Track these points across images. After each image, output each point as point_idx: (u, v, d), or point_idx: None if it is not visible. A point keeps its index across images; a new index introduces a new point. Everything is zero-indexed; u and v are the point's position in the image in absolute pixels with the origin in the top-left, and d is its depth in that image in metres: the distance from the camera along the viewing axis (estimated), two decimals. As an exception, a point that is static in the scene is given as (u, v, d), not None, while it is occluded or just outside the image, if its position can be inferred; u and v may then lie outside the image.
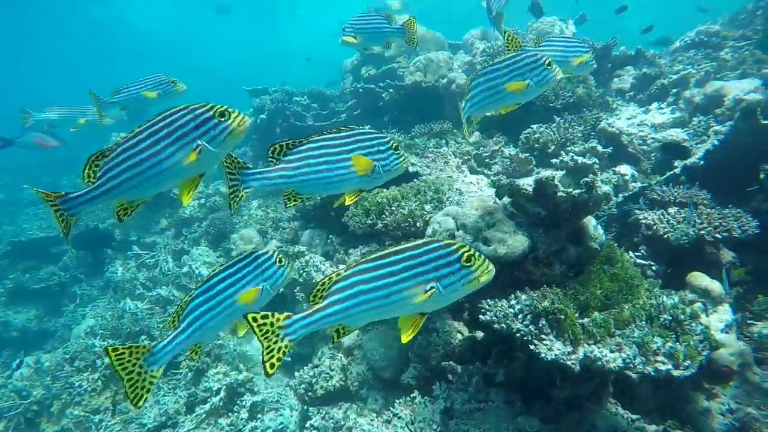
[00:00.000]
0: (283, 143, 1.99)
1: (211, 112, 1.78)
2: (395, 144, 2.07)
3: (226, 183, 2.00)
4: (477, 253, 1.70)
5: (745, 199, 3.80)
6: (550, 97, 5.54)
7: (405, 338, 1.75)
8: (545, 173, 4.43)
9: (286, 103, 8.69)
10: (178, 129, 1.74)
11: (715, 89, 5.19)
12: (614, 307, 2.75)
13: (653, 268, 3.32)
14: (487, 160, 4.90)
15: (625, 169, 4.11)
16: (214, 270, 2.05)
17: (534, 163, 4.54)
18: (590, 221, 2.84)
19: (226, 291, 1.99)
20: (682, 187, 3.48)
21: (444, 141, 5.47)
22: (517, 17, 8.52)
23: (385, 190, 3.85)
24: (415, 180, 4.22)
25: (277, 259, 2.11)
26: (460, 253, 1.67)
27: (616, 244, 3.02)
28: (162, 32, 36.91)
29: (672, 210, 3.29)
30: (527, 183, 2.75)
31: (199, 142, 1.75)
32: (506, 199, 2.97)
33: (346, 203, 2.13)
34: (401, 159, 2.09)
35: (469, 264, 1.66)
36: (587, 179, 2.56)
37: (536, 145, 4.61)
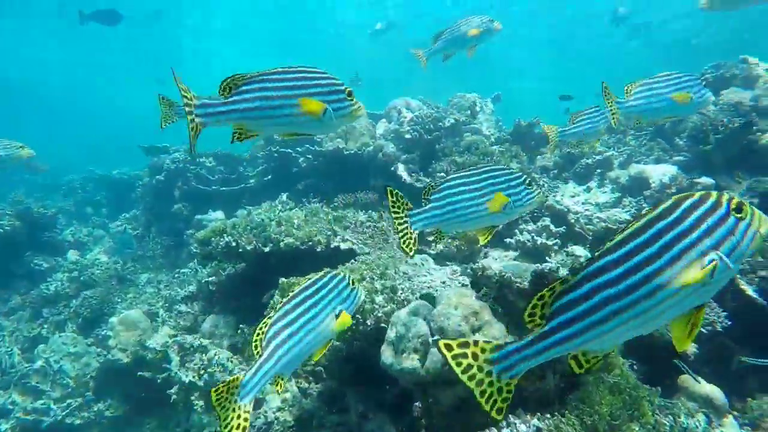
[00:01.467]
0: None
1: (342, 87, 1.97)
2: None
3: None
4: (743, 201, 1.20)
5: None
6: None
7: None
8: (494, 256, 4.00)
9: (188, 164, 7.68)
10: (311, 86, 1.88)
11: (637, 171, 5.31)
12: (621, 428, 2.23)
13: (635, 366, 2.92)
14: (429, 238, 4.39)
15: (579, 250, 3.83)
16: (292, 293, 1.86)
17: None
18: (587, 320, 2.35)
19: (309, 313, 1.81)
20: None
21: (375, 214, 4.90)
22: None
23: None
24: (353, 261, 3.54)
25: (351, 281, 1.98)
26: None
27: (609, 346, 2.55)
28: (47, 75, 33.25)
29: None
30: (516, 273, 2.21)
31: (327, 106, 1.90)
32: (485, 290, 2.40)
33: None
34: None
35: (740, 215, 1.16)
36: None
37: (482, 222, 4.22)
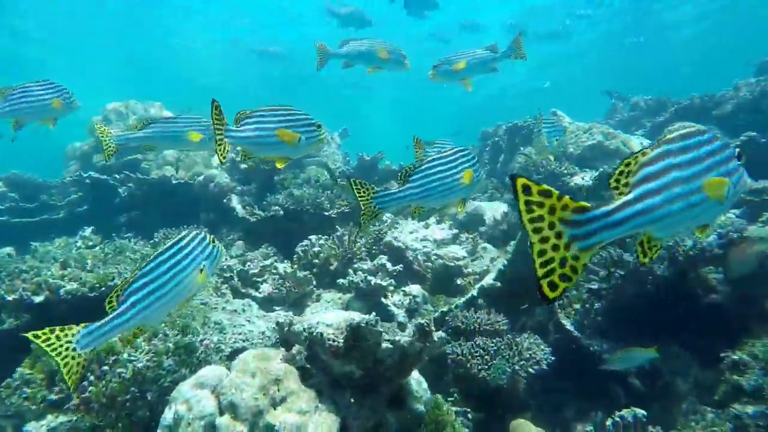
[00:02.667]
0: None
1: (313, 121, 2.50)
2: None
3: None
4: None
5: (530, 315, 3.71)
6: (324, 205, 4.99)
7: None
8: (329, 301, 3.62)
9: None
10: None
11: (474, 208, 5.48)
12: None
13: (469, 415, 2.72)
14: (254, 279, 3.85)
15: (416, 289, 3.64)
16: (156, 251, 1.86)
17: (314, 283, 3.71)
18: (413, 374, 2.04)
19: (172, 270, 1.80)
20: (483, 311, 3.14)
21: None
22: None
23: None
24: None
25: (211, 239, 1.99)
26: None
27: (440, 397, 2.29)
28: None
29: (480, 341, 2.86)
30: (331, 328, 1.82)
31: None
32: (298, 348, 1.96)
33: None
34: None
35: (741, 162, 1.30)
36: (421, 322, 1.79)
37: (316, 261, 3.83)
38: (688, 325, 3.17)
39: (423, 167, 2.39)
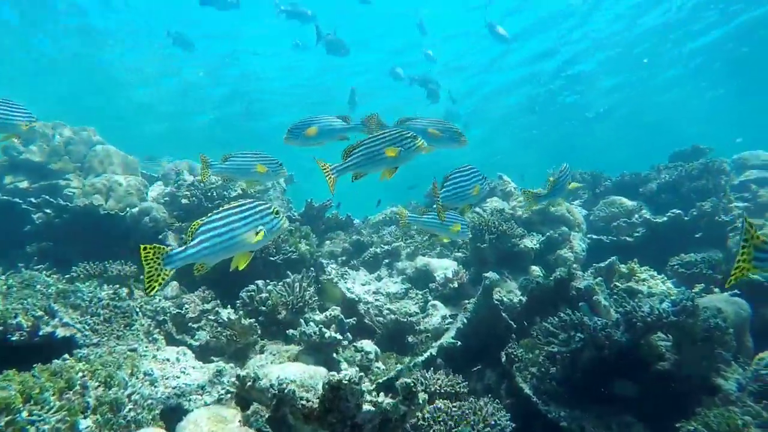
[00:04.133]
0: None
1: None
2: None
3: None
4: None
5: (481, 377, 3.58)
6: (270, 250, 4.70)
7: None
8: (277, 350, 3.29)
9: None
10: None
11: (423, 264, 5.41)
12: None
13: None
14: (191, 324, 3.45)
15: (368, 345, 3.40)
16: (225, 206, 2.28)
17: (259, 332, 3.38)
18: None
19: (234, 224, 2.21)
20: (443, 372, 2.96)
21: (125, 290, 3.74)
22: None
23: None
24: (66, 358, 2.39)
25: (275, 211, 2.37)
26: None
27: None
28: None
29: (441, 404, 2.66)
30: (304, 389, 1.57)
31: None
32: (255, 407, 1.67)
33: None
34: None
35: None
36: (407, 381, 1.59)
37: (262, 308, 3.50)
38: (641, 393, 3.17)
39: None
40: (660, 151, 8.66)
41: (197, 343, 3.24)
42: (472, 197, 3.22)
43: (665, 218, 5.38)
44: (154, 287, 2.10)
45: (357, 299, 3.83)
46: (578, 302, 3.83)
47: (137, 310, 3.18)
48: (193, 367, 2.76)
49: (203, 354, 3.19)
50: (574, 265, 5.06)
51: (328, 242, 6.43)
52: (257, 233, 2.25)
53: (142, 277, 4.64)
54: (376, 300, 3.96)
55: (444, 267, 5.28)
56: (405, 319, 3.93)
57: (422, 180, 8.15)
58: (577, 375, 3.21)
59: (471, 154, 25.68)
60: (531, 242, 5.10)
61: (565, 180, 3.81)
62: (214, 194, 5.11)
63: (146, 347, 2.82)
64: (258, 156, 3.48)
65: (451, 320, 4.23)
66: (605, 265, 4.13)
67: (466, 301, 4.72)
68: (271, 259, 4.66)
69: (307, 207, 6.37)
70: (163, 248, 2.14)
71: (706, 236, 5.32)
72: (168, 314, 3.37)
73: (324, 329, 2.99)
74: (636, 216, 5.84)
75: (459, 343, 3.14)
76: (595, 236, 5.75)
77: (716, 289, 4.17)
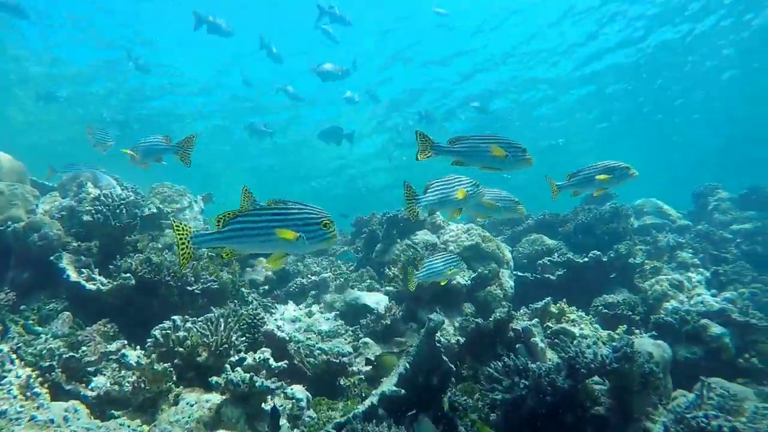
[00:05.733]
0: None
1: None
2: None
3: None
4: None
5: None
6: (188, 278, 4.21)
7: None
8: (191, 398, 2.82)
9: None
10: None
11: (353, 297, 5.15)
12: None
13: None
14: (86, 368, 2.88)
15: (299, 391, 3.05)
16: (270, 202, 2.30)
17: (174, 378, 2.89)
18: None
19: (270, 222, 2.21)
20: (385, 425, 2.69)
21: None
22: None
23: None
24: None
25: (323, 224, 2.27)
26: None
27: None
28: None
29: (387, 464, 2.39)
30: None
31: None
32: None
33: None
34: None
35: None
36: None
37: (180, 349, 3.02)
38: (579, 439, 3.14)
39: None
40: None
41: (93, 394, 2.69)
42: (456, 201, 3.25)
43: (587, 258, 5.63)
44: (184, 263, 2.24)
45: (287, 338, 3.47)
46: (515, 344, 3.79)
47: (11, 356, 2.56)
48: (86, 429, 2.25)
49: (101, 407, 2.64)
50: (503, 303, 5.10)
51: (249, 269, 5.96)
52: (294, 235, 2.22)
53: (22, 307, 3.93)
54: (308, 339, 3.63)
55: (375, 301, 5.07)
56: (337, 360, 3.63)
57: (355, 209, 8.00)
58: (520, 421, 3.11)
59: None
60: (463, 279, 5.07)
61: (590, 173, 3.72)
62: (124, 211, 4.49)
63: (21, 407, 2.25)
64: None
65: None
66: (541, 306, 4.17)
67: (401, 339, 4.54)
68: (189, 288, 4.15)
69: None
70: (191, 228, 2.23)
71: (620, 277, 5.64)
72: (56, 358, 2.78)
73: (255, 377, 2.61)
74: (557, 255, 6.07)
75: (403, 391, 2.91)
76: (520, 273, 5.87)
77: (636, 330, 4.37)
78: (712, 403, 3.18)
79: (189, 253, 2.20)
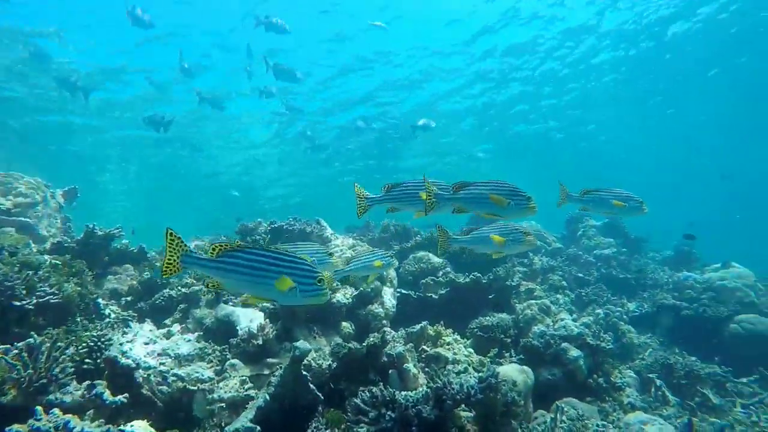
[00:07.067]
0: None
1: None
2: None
3: None
4: None
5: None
6: (17, 291, 3.56)
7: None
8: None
9: None
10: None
11: (226, 314, 4.76)
12: None
13: None
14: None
15: (141, 428, 2.65)
16: (271, 247, 2.39)
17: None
18: None
19: (268, 265, 2.20)
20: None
21: None
22: None
23: None
24: None
25: (318, 279, 2.27)
26: None
27: None
28: None
29: None
30: None
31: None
32: None
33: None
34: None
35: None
36: None
37: (-18, 383, 2.47)
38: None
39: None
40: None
41: None
42: (420, 202, 3.23)
43: (468, 279, 5.78)
44: (167, 273, 2.17)
45: (134, 365, 3.03)
46: (389, 369, 3.71)
47: None
48: None
49: None
50: (384, 321, 5.03)
51: (111, 277, 5.28)
52: (288, 285, 2.21)
53: None
54: (161, 364, 3.21)
55: (249, 318, 4.73)
56: (194, 387, 3.26)
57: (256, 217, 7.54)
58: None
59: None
60: (344, 297, 4.92)
61: (606, 196, 3.76)
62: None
63: None
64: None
65: (251, 385, 3.70)
66: (417, 330, 4.14)
67: (273, 360, 4.25)
68: (17, 304, 3.49)
69: (87, 234, 5.13)
70: (185, 246, 2.19)
71: (497, 298, 5.88)
72: None
73: (73, 422, 2.19)
74: (441, 273, 6.18)
75: (258, 428, 2.65)
76: (404, 291, 5.87)
77: (506, 354, 4.53)
78: (563, 427, 3.34)
79: (176, 267, 2.17)
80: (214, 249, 2.22)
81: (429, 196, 3.21)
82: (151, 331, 3.56)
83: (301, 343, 2.96)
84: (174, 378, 3.22)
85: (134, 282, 5.02)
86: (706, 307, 6.68)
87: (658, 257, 10.16)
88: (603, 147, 22.95)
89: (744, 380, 5.45)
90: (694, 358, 5.76)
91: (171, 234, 2.15)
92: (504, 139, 21.49)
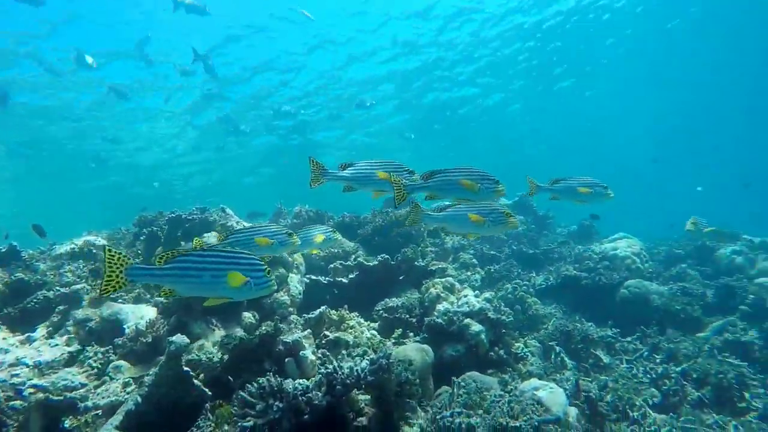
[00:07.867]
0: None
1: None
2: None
3: None
4: None
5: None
6: None
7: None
8: None
9: None
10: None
11: (113, 312, 4.38)
12: None
13: None
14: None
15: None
16: (217, 246, 2.50)
17: None
18: None
19: (218, 263, 2.21)
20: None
21: None
22: None
23: None
24: None
25: (267, 271, 2.35)
26: None
27: None
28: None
29: None
30: None
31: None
32: None
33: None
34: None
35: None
36: None
37: None
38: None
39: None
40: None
41: None
42: (377, 182, 3.25)
43: (376, 262, 5.74)
44: (108, 290, 2.12)
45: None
46: (285, 357, 3.56)
47: None
48: None
49: None
50: (291, 309, 4.87)
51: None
52: (240, 281, 2.22)
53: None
54: (14, 377, 2.84)
55: (140, 315, 4.39)
56: (61, 397, 2.93)
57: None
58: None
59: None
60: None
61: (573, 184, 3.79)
62: None
63: None
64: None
65: (135, 387, 3.41)
66: (316, 315, 4.02)
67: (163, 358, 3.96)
68: None
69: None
70: (129, 259, 2.16)
71: (408, 279, 5.90)
72: None
73: None
74: (352, 257, 6.10)
75: (124, 437, 2.41)
76: (313, 277, 5.73)
77: (410, 333, 4.54)
78: (459, 401, 3.38)
79: (119, 283, 2.14)
80: (161, 257, 2.23)
81: (399, 189, 3.22)
82: (4, 339, 3.14)
83: (178, 337, 2.73)
84: (32, 389, 2.86)
85: (1, 285, 4.46)
86: (601, 275, 7.16)
87: (564, 232, 10.78)
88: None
89: (629, 339, 5.91)
90: (590, 324, 6.15)
91: (110, 250, 2.14)
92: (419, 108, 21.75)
